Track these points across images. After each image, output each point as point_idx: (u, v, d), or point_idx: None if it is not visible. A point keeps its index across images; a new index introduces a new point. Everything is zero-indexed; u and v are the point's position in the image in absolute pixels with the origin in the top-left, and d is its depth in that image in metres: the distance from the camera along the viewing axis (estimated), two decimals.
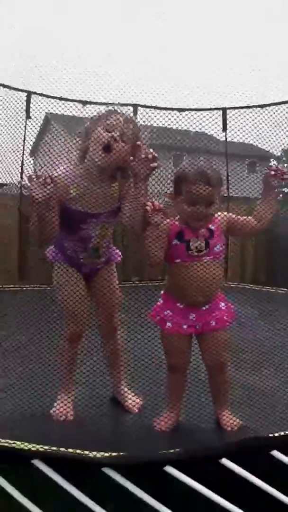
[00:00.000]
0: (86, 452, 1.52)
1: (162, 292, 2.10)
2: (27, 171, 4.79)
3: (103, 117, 2.07)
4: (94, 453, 1.51)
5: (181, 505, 1.49)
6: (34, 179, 1.86)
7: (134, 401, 2.27)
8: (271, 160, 8.66)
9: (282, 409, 2.14)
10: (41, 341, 2.69)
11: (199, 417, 2.07)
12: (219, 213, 2.03)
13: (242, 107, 5.37)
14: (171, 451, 1.60)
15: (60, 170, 2.07)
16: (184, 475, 1.46)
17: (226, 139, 5.58)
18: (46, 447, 1.53)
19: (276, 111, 5.13)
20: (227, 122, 5.48)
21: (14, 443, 1.54)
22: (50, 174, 1.90)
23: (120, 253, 2.38)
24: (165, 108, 5.37)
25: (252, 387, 2.38)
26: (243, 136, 5.51)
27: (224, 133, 5.55)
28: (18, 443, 1.54)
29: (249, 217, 2.07)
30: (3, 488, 1.49)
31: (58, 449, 1.53)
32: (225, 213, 2.06)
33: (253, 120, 5.40)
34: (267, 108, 5.21)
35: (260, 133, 5.27)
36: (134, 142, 1.99)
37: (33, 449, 1.51)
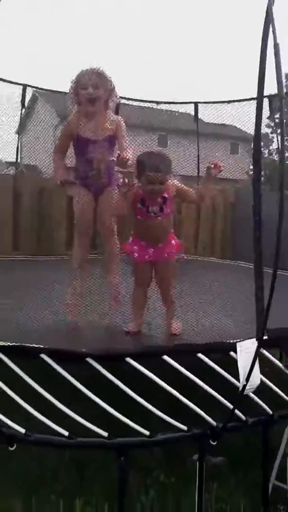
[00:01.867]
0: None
1: (131, 233, 2.96)
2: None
3: (80, 79, 3.04)
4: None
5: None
6: None
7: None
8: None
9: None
10: None
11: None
12: (170, 182, 2.80)
13: (211, 102, 6.03)
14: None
15: (72, 114, 3.12)
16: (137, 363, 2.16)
17: (197, 129, 6.21)
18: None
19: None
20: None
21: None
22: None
23: (121, 179, 3.04)
24: (143, 100, 6.02)
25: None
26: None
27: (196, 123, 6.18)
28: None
29: (192, 190, 2.93)
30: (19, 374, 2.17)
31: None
32: (175, 181, 2.86)
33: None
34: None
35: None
36: (107, 87, 3.03)
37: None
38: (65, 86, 3.24)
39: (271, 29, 2.02)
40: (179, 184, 2.89)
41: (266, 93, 2.85)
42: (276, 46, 2.02)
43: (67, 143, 3.19)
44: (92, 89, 3.01)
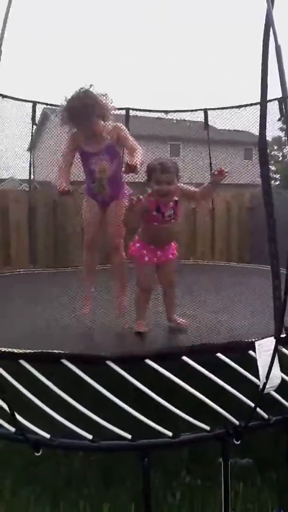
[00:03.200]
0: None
1: (137, 238, 3.06)
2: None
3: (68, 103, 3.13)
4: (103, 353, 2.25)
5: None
6: None
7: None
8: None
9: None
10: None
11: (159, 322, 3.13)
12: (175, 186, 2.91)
13: (221, 108, 6.07)
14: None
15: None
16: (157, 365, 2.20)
17: (208, 136, 6.26)
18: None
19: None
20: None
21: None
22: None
23: (128, 193, 3.26)
24: (153, 110, 6.10)
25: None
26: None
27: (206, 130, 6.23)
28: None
29: (195, 189, 3.04)
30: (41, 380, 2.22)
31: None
32: (179, 184, 2.95)
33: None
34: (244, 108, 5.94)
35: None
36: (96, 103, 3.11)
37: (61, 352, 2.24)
38: None
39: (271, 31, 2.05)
40: (182, 185, 2.99)
41: (277, 95, 2.87)
42: (277, 47, 2.05)
43: (72, 155, 3.29)
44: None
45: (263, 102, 2.42)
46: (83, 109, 3.08)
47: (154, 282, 3.10)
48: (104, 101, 3.19)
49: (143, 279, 3.04)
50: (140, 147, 3.10)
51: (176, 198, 2.93)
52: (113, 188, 3.24)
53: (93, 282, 3.42)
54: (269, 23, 2.12)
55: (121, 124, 3.27)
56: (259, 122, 2.53)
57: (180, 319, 3.13)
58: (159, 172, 2.83)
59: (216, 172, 2.88)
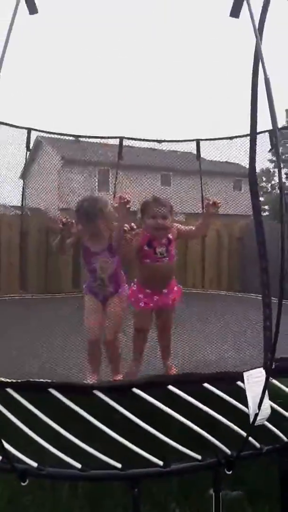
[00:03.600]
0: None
1: (135, 281, 3.08)
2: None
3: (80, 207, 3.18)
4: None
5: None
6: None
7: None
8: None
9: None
10: None
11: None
12: (171, 225, 2.98)
13: (213, 139, 6.17)
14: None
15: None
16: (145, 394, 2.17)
17: (200, 167, 6.35)
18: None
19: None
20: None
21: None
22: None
23: (128, 291, 3.24)
24: (146, 140, 6.19)
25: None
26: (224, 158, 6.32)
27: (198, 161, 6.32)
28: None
29: (190, 227, 3.10)
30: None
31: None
32: (175, 224, 3.03)
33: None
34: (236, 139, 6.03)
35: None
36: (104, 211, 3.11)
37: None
38: (68, 130, 3.47)
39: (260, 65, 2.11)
40: (179, 226, 3.08)
41: (266, 128, 2.94)
42: (266, 80, 2.11)
43: (72, 243, 3.29)
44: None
45: (253, 135, 2.47)
46: (93, 211, 3.12)
47: (150, 324, 3.10)
48: (109, 207, 3.21)
49: (137, 323, 3.06)
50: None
51: (170, 236, 2.97)
52: (114, 284, 3.23)
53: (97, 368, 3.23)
54: (258, 57, 2.18)
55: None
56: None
57: (172, 369, 3.04)
58: (153, 207, 2.91)
59: (210, 203, 2.94)
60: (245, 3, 2.01)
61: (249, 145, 5.60)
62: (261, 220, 2.33)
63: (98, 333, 3.21)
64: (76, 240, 3.18)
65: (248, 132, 5.14)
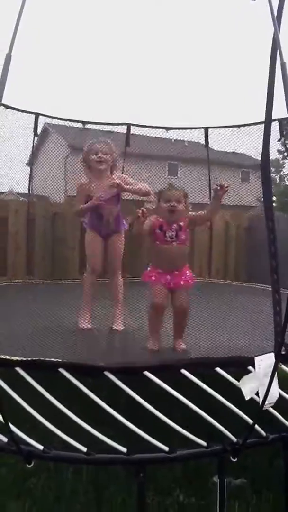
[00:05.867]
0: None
1: (150, 264, 3.23)
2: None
3: (89, 146, 3.69)
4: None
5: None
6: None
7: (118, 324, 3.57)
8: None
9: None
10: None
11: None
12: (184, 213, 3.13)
13: (221, 127, 6.11)
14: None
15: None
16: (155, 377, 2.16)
17: (208, 155, 6.29)
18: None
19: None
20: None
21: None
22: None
23: (126, 225, 3.81)
24: (154, 127, 6.14)
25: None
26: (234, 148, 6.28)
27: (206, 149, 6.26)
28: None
29: (201, 212, 3.22)
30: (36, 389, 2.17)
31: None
32: (188, 213, 3.15)
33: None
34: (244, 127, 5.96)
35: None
36: (112, 154, 3.69)
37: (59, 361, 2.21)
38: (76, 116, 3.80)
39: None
40: (191, 214, 3.19)
41: (276, 116, 2.91)
42: (283, 65, 2.07)
43: (83, 202, 3.72)
44: (101, 154, 3.64)
45: (268, 118, 2.45)
46: (107, 156, 3.65)
47: (166, 300, 3.14)
48: (116, 154, 3.77)
49: (153, 296, 3.11)
50: (145, 185, 3.60)
51: (181, 223, 3.11)
52: (116, 224, 3.75)
53: (91, 300, 3.74)
54: (276, 41, 2.13)
55: (127, 177, 3.78)
56: (258, 142, 2.59)
57: (181, 346, 3.14)
58: (168, 190, 3.10)
59: (219, 187, 3.03)
60: None
61: (255, 135, 5.63)
62: (271, 205, 2.31)
63: (97, 262, 3.73)
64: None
65: (255, 121, 5.13)
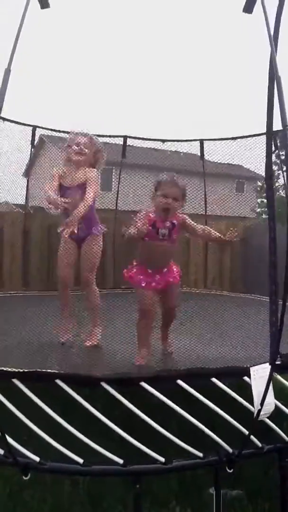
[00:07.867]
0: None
1: (134, 263, 3.10)
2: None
3: (70, 140, 3.59)
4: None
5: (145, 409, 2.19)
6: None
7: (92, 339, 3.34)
8: (258, 181, 9.30)
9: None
10: None
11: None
12: (180, 214, 3.05)
13: (217, 139, 6.17)
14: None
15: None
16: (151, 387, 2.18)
17: (204, 167, 6.34)
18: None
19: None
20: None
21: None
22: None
23: (101, 229, 3.53)
24: (150, 139, 6.19)
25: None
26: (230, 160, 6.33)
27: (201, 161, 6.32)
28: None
29: (200, 226, 3.15)
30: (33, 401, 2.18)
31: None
32: (184, 215, 3.07)
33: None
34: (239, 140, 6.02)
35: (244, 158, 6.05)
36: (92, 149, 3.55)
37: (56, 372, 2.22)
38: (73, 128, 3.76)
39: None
40: (187, 218, 3.10)
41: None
42: (278, 78, 2.11)
43: (53, 189, 3.53)
44: (82, 146, 3.53)
45: (269, 128, 2.50)
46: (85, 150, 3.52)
47: (155, 306, 3.06)
48: (101, 151, 3.64)
49: (142, 304, 2.99)
50: (88, 201, 3.38)
51: (175, 222, 3.01)
52: (87, 224, 3.47)
53: (69, 314, 3.56)
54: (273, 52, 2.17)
55: (96, 172, 3.55)
56: (253, 154, 2.64)
57: (170, 347, 3.14)
58: (168, 186, 2.95)
59: (227, 237, 3.05)
60: None
61: (251, 147, 5.68)
62: (274, 215, 2.34)
63: (68, 272, 3.52)
64: None
65: (249, 134, 5.19)
